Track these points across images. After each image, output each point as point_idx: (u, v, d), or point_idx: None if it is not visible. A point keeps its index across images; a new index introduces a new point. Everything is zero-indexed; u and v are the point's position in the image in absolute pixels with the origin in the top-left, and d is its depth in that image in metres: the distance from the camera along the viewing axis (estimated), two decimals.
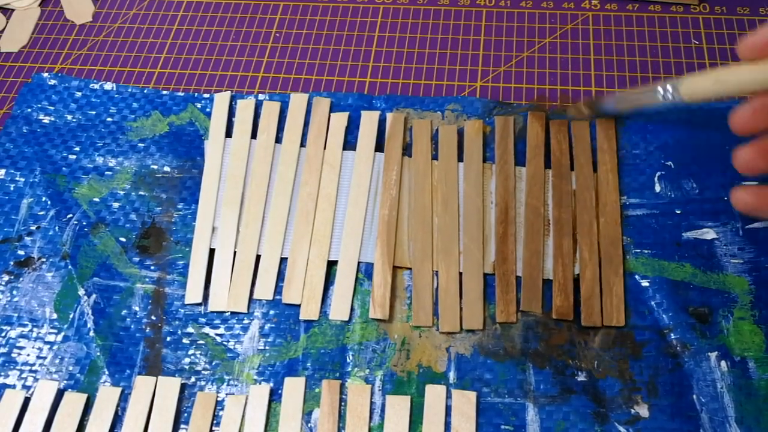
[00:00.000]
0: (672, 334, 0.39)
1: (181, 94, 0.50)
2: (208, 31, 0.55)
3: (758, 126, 0.35)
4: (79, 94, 0.51)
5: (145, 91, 0.51)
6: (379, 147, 0.47)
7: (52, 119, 0.50)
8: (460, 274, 0.42)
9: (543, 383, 0.38)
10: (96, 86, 0.51)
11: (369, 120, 0.47)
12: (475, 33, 0.53)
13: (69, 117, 0.50)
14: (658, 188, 0.43)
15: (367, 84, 0.51)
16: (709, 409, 0.37)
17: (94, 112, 0.50)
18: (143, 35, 0.55)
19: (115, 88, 0.51)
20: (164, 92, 0.51)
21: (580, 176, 0.44)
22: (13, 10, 0.58)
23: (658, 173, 0.44)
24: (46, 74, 0.52)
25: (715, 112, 0.46)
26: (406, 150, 0.46)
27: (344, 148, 0.47)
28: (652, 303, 0.40)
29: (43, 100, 0.51)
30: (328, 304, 0.42)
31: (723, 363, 0.38)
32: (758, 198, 0.36)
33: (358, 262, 0.43)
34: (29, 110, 0.50)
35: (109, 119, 0.50)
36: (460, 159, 0.46)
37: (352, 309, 0.41)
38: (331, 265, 0.43)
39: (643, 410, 0.37)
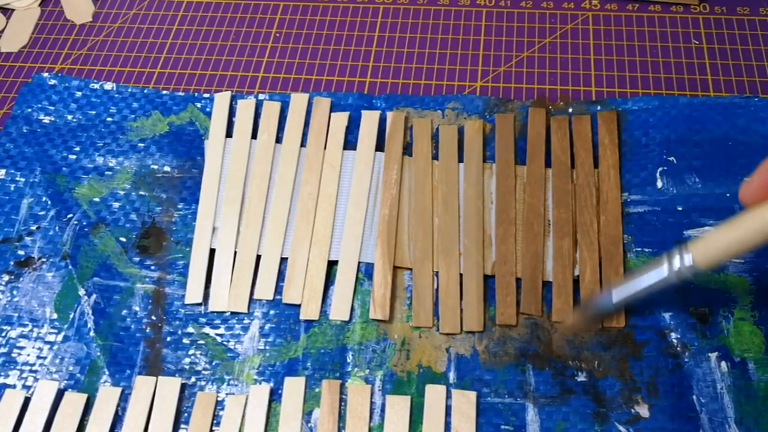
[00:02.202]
0: (672, 334, 0.39)
1: (181, 94, 0.50)
2: (208, 31, 0.55)
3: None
4: (79, 94, 0.51)
5: (145, 91, 0.51)
6: (380, 146, 0.47)
7: (52, 119, 0.50)
8: (461, 275, 0.42)
9: (543, 384, 0.38)
10: (96, 86, 0.51)
11: (369, 119, 0.47)
12: (475, 33, 0.53)
13: (69, 117, 0.50)
14: (660, 184, 0.43)
15: (367, 84, 0.51)
16: (708, 409, 0.37)
17: (94, 112, 0.50)
18: (143, 35, 0.55)
19: (115, 88, 0.51)
20: (164, 92, 0.51)
21: (581, 173, 0.44)
22: (13, 10, 0.58)
23: (660, 168, 0.44)
24: (46, 74, 0.52)
25: (718, 107, 0.46)
26: (407, 149, 0.46)
27: (344, 148, 0.47)
28: (654, 302, 0.40)
29: (43, 100, 0.51)
30: (328, 304, 0.42)
31: (723, 363, 0.38)
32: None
33: (359, 262, 0.43)
34: (29, 110, 0.50)
35: (109, 119, 0.50)
36: (461, 159, 0.46)
37: (352, 309, 0.41)
38: (332, 265, 0.43)
39: (643, 410, 0.37)
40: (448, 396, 0.38)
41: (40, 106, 0.50)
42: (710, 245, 0.33)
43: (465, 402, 0.38)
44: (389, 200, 0.44)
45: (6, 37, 0.56)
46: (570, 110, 0.47)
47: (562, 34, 0.52)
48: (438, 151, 0.46)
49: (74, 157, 0.48)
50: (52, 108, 0.50)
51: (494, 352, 0.39)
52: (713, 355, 0.38)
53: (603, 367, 0.38)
